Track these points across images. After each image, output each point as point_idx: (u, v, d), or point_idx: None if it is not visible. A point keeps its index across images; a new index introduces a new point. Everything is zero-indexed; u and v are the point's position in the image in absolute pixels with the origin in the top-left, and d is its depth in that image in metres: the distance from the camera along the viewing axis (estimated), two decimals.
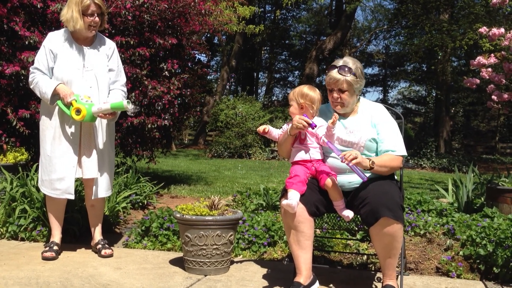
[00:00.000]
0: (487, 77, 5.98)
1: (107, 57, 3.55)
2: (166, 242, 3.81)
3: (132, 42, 5.28)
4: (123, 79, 3.65)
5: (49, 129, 3.42)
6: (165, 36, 5.63)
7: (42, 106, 3.53)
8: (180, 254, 3.45)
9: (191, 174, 9.38)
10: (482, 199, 4.83)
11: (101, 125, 3.50)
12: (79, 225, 3.97)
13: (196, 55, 6.90)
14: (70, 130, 3.40)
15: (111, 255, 3.48)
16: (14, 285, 2.78)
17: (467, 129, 29.66)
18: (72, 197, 3.43)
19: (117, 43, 5.19)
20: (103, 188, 3.53)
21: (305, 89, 2.90)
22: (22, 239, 3.88)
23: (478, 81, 6.21)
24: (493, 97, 6.20)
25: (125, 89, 3.67)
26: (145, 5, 5.34)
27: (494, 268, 3.18)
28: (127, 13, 5.26)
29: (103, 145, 3.50)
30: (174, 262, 3.39)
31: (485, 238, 3.32)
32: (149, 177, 5.86)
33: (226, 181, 8.15)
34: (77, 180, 4.01)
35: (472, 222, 3.70)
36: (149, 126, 5.59)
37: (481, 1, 13.58)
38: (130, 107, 3.33)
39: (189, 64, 6.63)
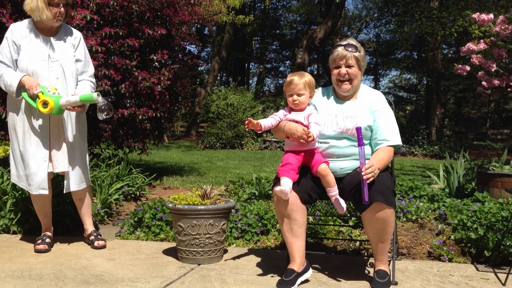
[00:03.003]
0: (478, 63, 6.01)
1: (73, 47, 3.45)
2: (159, 232, 3.81)
3: (121, 33, 5.24)
4: (91, 69, 3.55)
5: (18, 124, 3.33)
6: (154, 26, 5.60)
7: (8, 101, 3.43)
8: (173, 244, 3.45)
9: (183, 165, 9.37)
10: (473, 184, 4.87)
11: (70, 117, 3.41)
12: (71, 217, 3.95)
13: (187, 46, 6.87)
14: (38, 123, 3.31)
15: (104, 246, 3.47)
16: (6, 278, 2.77)
17: (458, 116, 29.81)
18: (46, 192, 3.35)
19: (106, 34, 5.15)
20: (74, 181, 3.43)
21: (311, 78, 2.89)
22: (14, 232, 3.86)
23: (468, 68, 6.23)
24: (484, 83, 6.23)
25: (94, 80, 3.58)
26: None
27: (485, 252, 3.22)
28: (115, 3, 5.21)
29: (73, 137, 3.41)
30: (168, 252, 3.40)
31: (476, 222, 3.35)
32: (141, 168, 5.85)
33: (218, 172, 8.15)
34: None
35: (463, 206, 3.72)
36: (140, 117, 5.58)
37: None
38: (100, 99, 3.21)
39: (180, 55, 6.59)
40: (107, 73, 5.14)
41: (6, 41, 3.29)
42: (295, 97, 2.84)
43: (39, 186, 3.32)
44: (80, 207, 3.61)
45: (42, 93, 3.15)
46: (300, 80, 2.84)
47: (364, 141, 2.82)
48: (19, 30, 3.33)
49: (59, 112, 3.23)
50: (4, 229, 3.87)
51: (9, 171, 4.22)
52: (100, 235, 3.59)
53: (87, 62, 3.52)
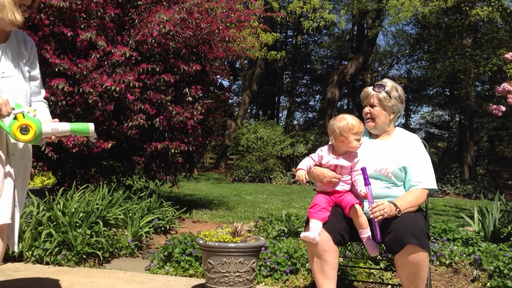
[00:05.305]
0: None
1: (27, 60, 2.52)
2: (188, 268, 3.81)
3: (157, 69, 5.40)
4: (43, 90, 2.65)
5: None
6: (190, 62, 5.75)
7: None
8: (202, 281, 3.44)
9: (212, 198, 9.40)
10: (509, 227, 4.73)
11: (18, 146, 2.41)
12: (103, 249, 4.00)
13: (219, 79, 7.01)
14: None
15: None
16: None
17: (491, 154, 29.14)
18: None
19: (143, 69, 5.31)
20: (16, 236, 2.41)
21: None
22: (47, 263, 3.92)
23: (504, 108, 6.14)
24: None
25: (47, 103, 2.66)
26: (170, 33, 5.47)
27: None
28: (153, 40, 5.39)
29: (23, 177, 2.44)
30: None
31: None
32: (172, 201, 5.90)
33: (247, 206, 8.14)
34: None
35: (499, 252, 3.61)
36: (173, 151, 5.67)
37: (505, 26, 13.51)
38: (94, 133, 2.42)
39: (212, 88, 6.73)
40: (142, 107, 5.27)
41: None
42: (361, 141, 2.82)
43: None
44: None
45: (23, 114, 2.26)
46: (359, 124, 2.81)
47: (398, 182, 2.81)
48: None
49: (36, 141, 2.33)
50: (37, 259, 3.94)
51: (45, 202, 4.34)
52: None
53: (41, 80, 2.63)
